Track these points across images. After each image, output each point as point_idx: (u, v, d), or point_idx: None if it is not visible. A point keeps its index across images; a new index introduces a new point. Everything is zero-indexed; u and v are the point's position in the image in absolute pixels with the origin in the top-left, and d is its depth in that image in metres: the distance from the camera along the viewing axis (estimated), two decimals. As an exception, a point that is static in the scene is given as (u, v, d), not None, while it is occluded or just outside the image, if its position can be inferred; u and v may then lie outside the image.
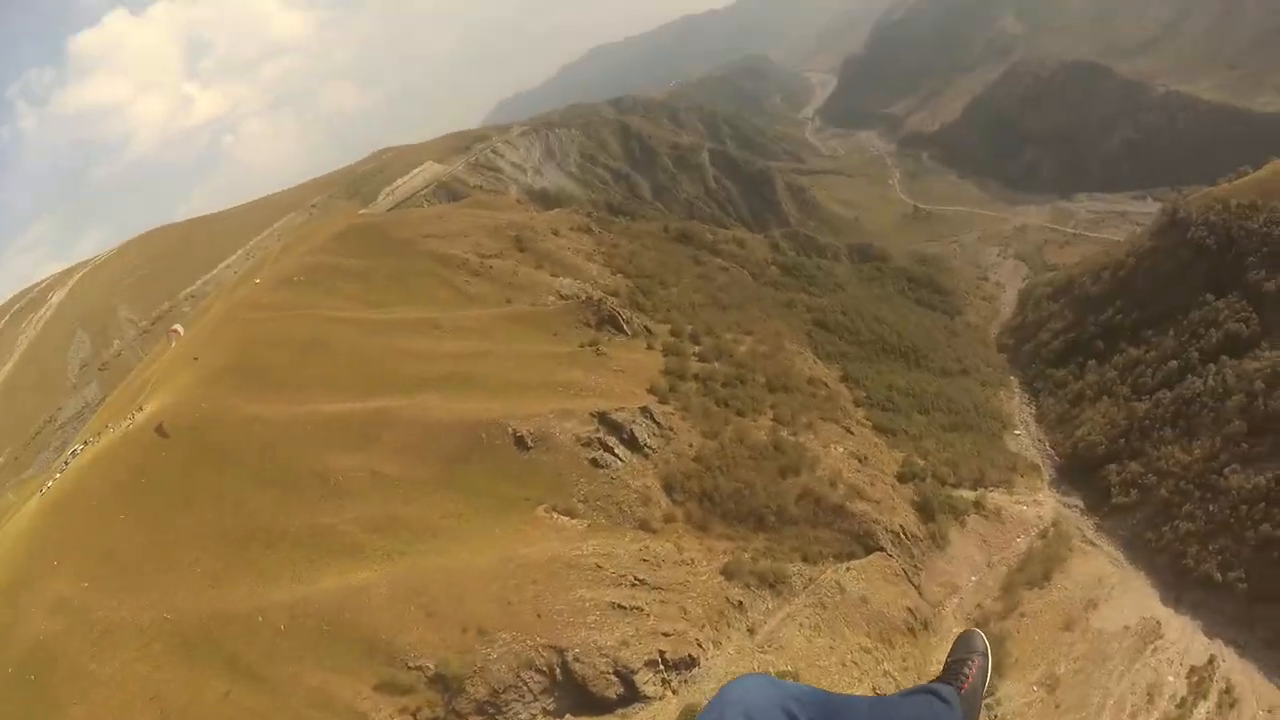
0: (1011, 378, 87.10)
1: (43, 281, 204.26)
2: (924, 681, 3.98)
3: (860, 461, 54.06)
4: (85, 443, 52.37)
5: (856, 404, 68.78)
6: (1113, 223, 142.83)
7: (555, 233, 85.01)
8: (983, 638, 4.20)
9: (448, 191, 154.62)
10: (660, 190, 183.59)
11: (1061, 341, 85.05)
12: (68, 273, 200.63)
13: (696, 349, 63.70)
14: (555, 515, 41.57)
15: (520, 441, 44.69)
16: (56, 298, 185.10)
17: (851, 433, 58.67)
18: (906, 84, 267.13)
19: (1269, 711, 43.20)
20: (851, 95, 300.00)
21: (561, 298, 67.47)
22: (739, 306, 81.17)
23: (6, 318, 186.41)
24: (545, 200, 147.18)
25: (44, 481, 50.95)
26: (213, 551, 36.70)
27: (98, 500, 39.68)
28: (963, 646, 4.20)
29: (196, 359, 55.10)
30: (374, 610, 33.36)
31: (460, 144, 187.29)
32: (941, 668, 4.18)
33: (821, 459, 51.03)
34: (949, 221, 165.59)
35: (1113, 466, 62.45)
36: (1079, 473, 65.57)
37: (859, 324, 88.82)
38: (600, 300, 65.57)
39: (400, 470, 42.68)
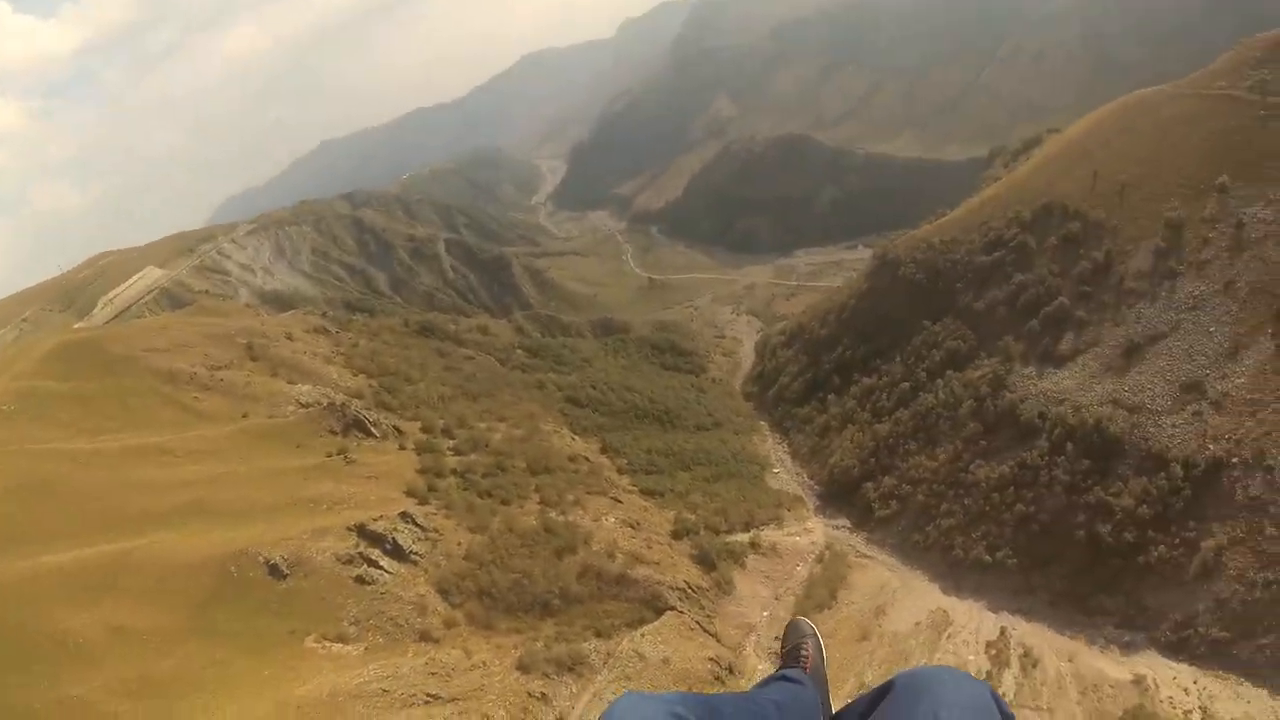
0: (762, 422, 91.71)
1: None
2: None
3: (633, 528, 54.70)
4: None
5: (620, 472, 69.82)
6: (830, 272, 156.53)
7: (289, 337, 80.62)
8: (808, 621, 4.43)
9: (171, 298, 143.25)
10: (398, 283, 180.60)
11: (801, 382, 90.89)
12: None
13: (451, 443, 62.00)
14: (327, 644, 38.11)
15: (275, 570, 40.75)
16: None
17: (620, 501, 59.31)
18: (632, 166, 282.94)
19: (1070, 660, 47.50)
20: (581, 179, 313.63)
21: (302, 406, 63.46)
22: (489, 394, 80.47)
23: None
24: (278, 302, 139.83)
25: None
26: None
27: None
28: (793, 633, 4.41)
29: None
30: None
31: (184, 245, 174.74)
32: (781, 658, 4.35)
33: (595, 533, 50.97)
34: (683, 289, 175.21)
35: (869, 485, 67.64)
36: (840, 496, 70.25)
37: (610, 395, 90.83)
38: (344, 404, 62.47)
39: (146, 622, 37.56)
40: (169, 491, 48.54)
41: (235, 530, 44.06)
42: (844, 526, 66.73)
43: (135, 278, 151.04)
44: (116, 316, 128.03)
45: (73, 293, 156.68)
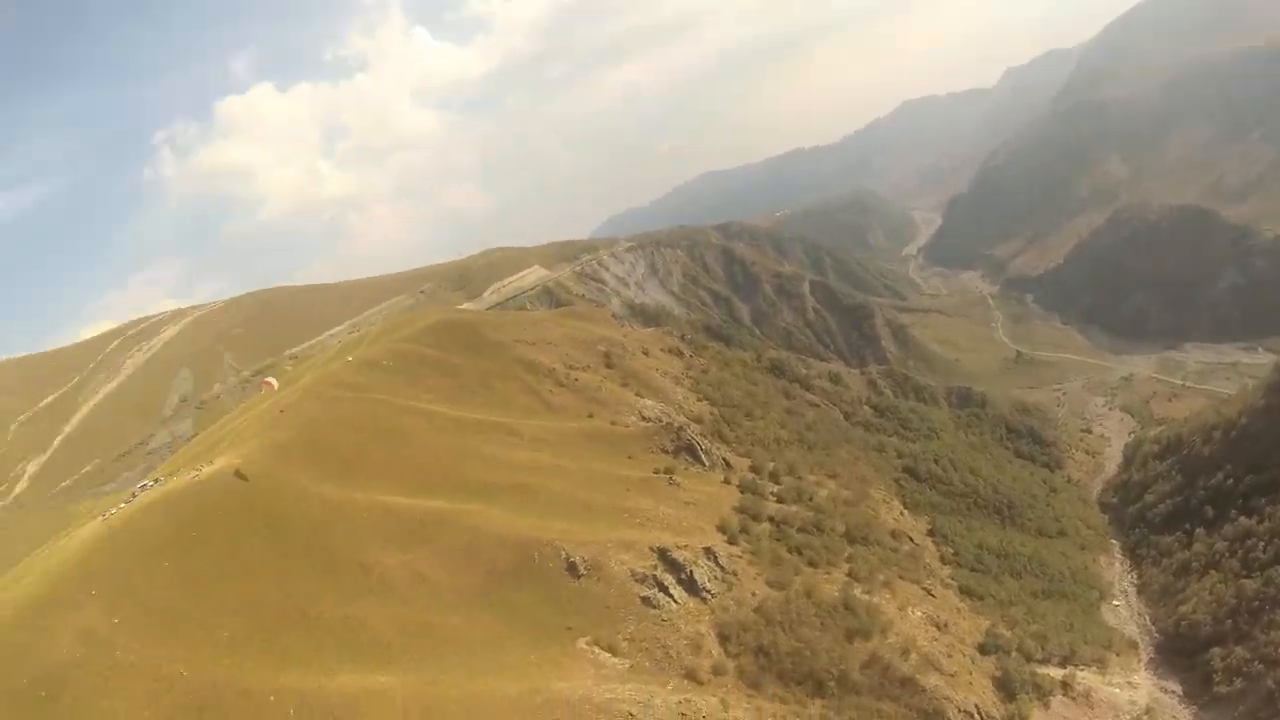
0: (1113, 542, 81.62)
1: (158, 315, 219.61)
2: None
3: (939, 628, 50.06)
4: (156, 480, 53.75)
5: (942, 561, 64.79)
6: (1222, 374, 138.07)
7: (645, 352, 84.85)
8: None
9: (551, 296, 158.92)
10: (760, 317, 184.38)
11: (1169, 505, 79.35)
12: (182, 312, 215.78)
13: (775, 488, 60.92)
14: (597, 650, 38.89)
15: (573, 568, 42.58)
16: (169, 332, 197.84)
17: (933, 595, 54.75)
18: (1010, 226, 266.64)
19: None
20: (955, 235, 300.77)
21: (643, 419, 66.22)
22: (826, 446, 78.40)
23: (118, 341, 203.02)
24: (644, 315, 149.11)
25: (109, 506, 51.72)
26: (243, 620, 35.62)
27: (148, 542, 39.36)
28: None
29: (282, 411, 56.81)
30: (383, 718, 31.53)
31: (568, 253, 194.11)
32: None
33: (895, 623, 47.17)
34: (1052, 368, 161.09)
35: (1217, 650, 56.20)
36: (1180, 654, 59.54)
37: (952, 474, 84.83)
38: (681, 427, 64.03)
39: (445, 577, 41.14)
40: (503, 469, 52.66)
41: (550, 520, 46.52)
42: (1174, 692, 56.35)
43: (522, 273, 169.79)
44: (500, 304, 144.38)
45: (465, 277, 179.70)
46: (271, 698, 31.09)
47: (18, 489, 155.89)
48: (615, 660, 38.64)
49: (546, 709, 33.15)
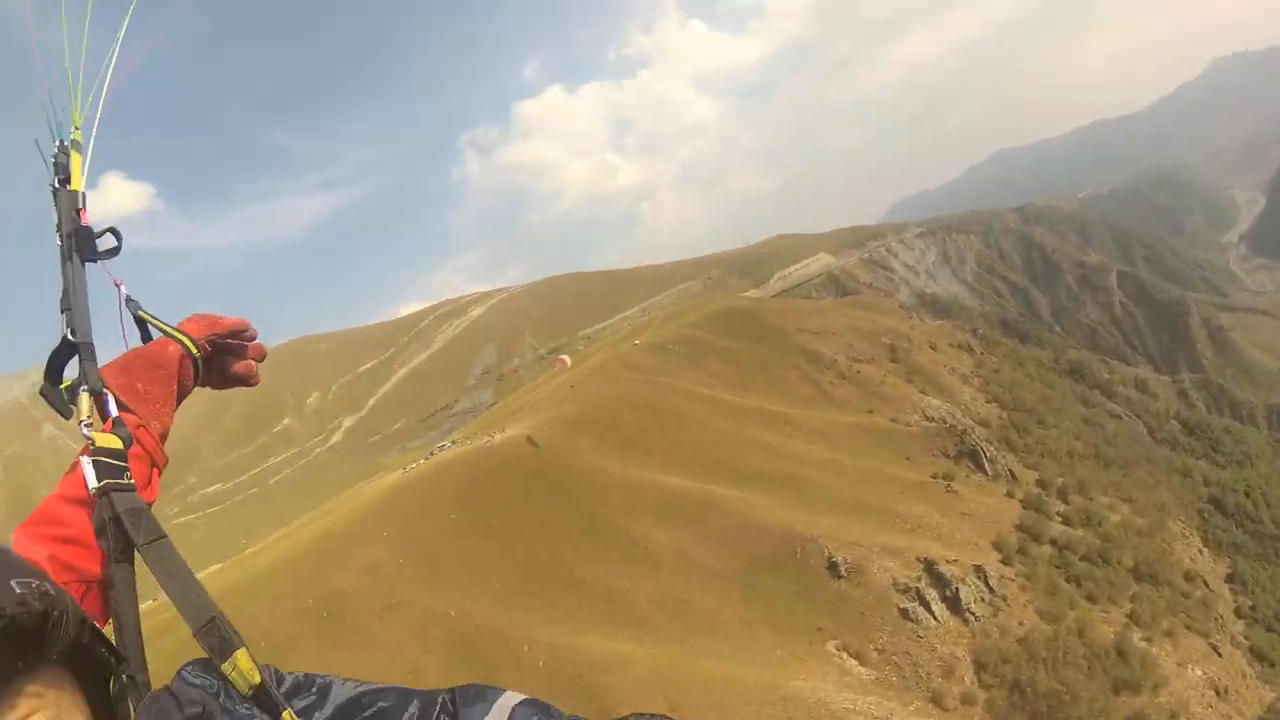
0: None
1: (467, 296, 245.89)
2: None
3: (1218, 694, 43.69)
4: (454, 441, 60.85)
5: (1237, 614, 56.75)
6: None
7: (933, 346, 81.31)
8: None
9: (837, 284, 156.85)
10: (1060, 310, 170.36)
11: None
12: (488, 294, 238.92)
13: (1062, 508, 56.24)
14: (844, 656, 38.11)
15: (834, 567, 41.97)
16: (476, 312, 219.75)
17: (1219, 653, 48.10)
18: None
19: None
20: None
21: (925, 418, 63.80)
22: (1124, 465, 71.15)
23: (431, 318, 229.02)
24: (934, 306, 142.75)
25: (411, 461, 59.27)
26: (514, 574, 38.85)
27: (439, 494, 44.20)
28: None
29: (573, 387, 61.24)
30: (624, 683, 32.78)
31: (855, 239, 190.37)
32: None
33: (1170, 681, 41.86)
34: None
35: None
36: None
37: (1263, 511, 73.35)
38: (966, 430, 60.89)
39: (708, 559, 42.28)
40: (776, 458, 53.17)
41: (817, 515, 46.45)
42: None
43: (807, 260, 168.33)
44: (786, 291, 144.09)
45: (752, 263, 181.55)
46: (526, 647, 33.72)
47: (334, 439, 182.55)
48: (861, 669, 37.73)
49: (783, 705, 33.11)
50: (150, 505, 1.81)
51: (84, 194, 2.23)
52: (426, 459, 56.37)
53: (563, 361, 78.31)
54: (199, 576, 1.62)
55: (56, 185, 2.24)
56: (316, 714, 1.55)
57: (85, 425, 1.85)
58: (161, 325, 2.20)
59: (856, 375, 69.74)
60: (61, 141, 2.30)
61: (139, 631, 1.60)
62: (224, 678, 1.46)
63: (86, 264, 2.15)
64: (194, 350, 2.20)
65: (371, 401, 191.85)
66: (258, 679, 1.47)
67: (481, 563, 39.15)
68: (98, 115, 2.33)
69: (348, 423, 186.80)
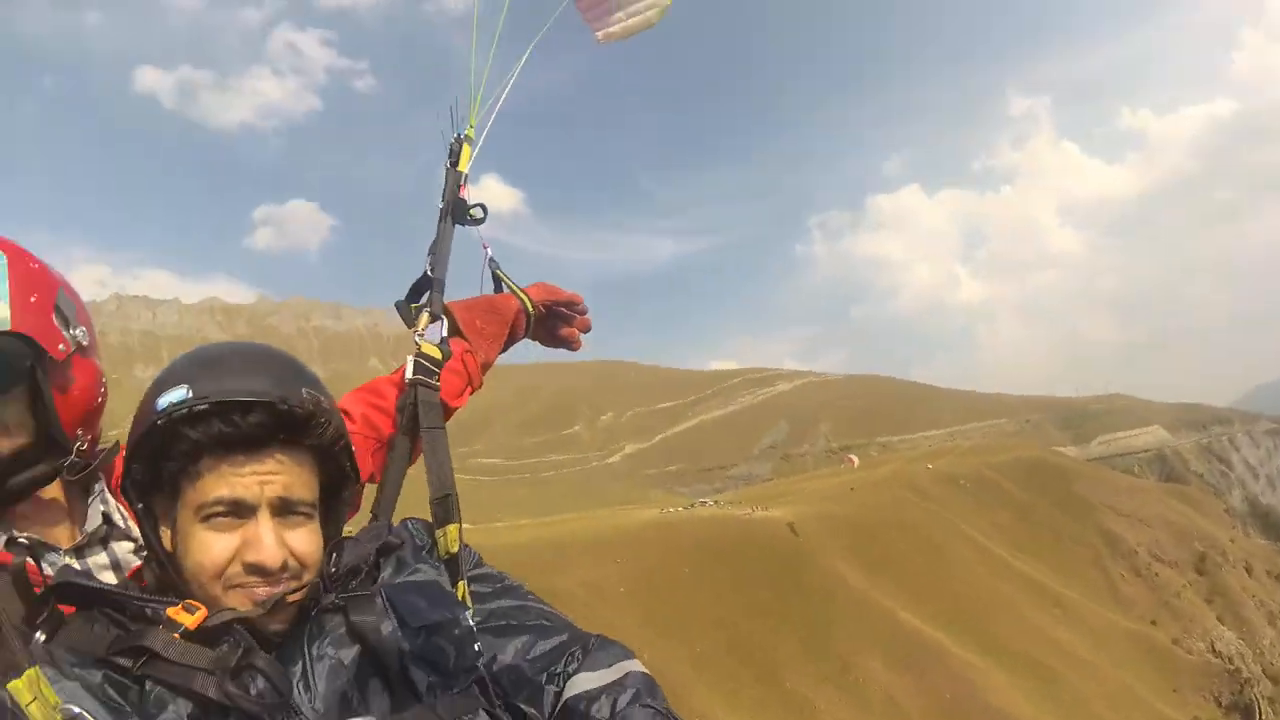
0: None
1: (777, 370, 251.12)
2: None
3: None
4: (716, 502, 61.20)
5: None
6: None
7: (1248, 569, 69.04)
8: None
9: (1164, 465, 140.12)
10: None
11: None
12: (799, 373, 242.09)
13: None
14: None
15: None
16: (781, 387, 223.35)
17: None
18: None
19: None
20: None
21: (1212, 651, 54.33)
22: None
23: (739, 380, 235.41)
24: (1266, 522, 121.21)
25: (673, 505, 59.35)
26: (720, 646, 37.25)
27: (682, 544, 43.59)
28: None
29: (852, 489, 59.23)
30: None
31: (1196, 419, 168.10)
32: None
33: None
34: None
35: None
36: None
37: None
38: (1249, 680, 50.78)
39: (915, 713, 38.00)
40: (1032, 638, 47.12)
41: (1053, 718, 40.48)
42: None
43: (1138, 430, 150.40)
44: (1104, 458, 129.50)
45: (1077, 417, 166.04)
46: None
47: (613, 459, 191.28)
48: None
49: None
50: (451, 409, 2.37)
51: (466, 176, 2.80)
52: (686, 508, 56.97)
53: (850, 461, 76.52)
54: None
55: (448, 166, 2.83)
56: (489, 601, 1.84)
57: (417, 335, 2.38)
58: (511, 284, 2.76)
59: (1153, 577, 61.09)
60: (458, 134, 2.88)
61: (398, 489, 2.14)
62: (433, 539, 1.87)
63: (456, 226, 2.75)
64: (530, 308, 2.72)
65: (658, 437, 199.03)
66: (455, 549, 1.86)
67: (694, 623, 38.13)
68: (490, 121, 2.95)
69: (630, 449, 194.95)
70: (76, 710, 1.22)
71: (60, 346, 1.89)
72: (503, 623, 1.78)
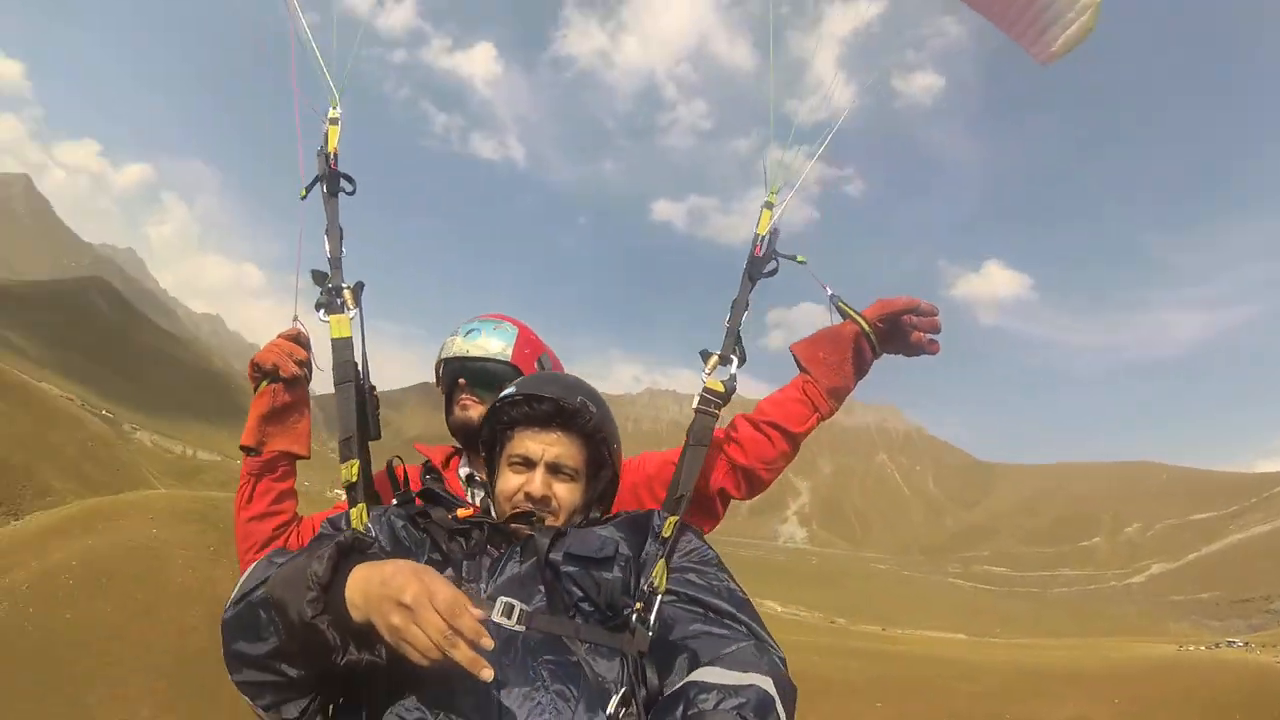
0: None
1: None
2: None
3: None
4: (1246, 643, 55.54)
5: None
6: None
7: None
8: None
9: None
10: None
11: None
12: None
13: None
14: None
15: None
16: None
17: None
18: None
19: None
20: None
21: None
22: None
23: None
24: None
25: (1194, 644, 51.89)
26: None
27: (1195, 693, 32.38)
28: None
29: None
30: None
31: None
32: None
33: None
34: None
35: None
36: None
37: None
38: None
39: None
40: None
41: None
42: None
43: None
44: None
45: None
46: None
47: (1135, 579, 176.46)
48: None
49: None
50: (794, 434, 2.81)
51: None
52: (1210, 647, 49.28)
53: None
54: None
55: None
56: (690, 589, 2.16)
57: (705, 374, 2.80)
58: (848, 310, 2.90)
59: None
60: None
61: (678, 488, 2.60)
62: (662, 524, 2.29)
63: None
64: (866, 328, 2.85)
65: (1190, 556, 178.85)
66: (668, 534, 2.26)
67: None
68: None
69: (1157, 568, 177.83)
70: (372, 530, 2.22)
71: None
72: (691, 609, 2.11)
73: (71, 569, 18.75)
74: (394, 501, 2.39)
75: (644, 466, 2.91)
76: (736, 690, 1.79)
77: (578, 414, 2.30)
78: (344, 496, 2.59)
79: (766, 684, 1.83)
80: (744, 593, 2.19)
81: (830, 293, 2.97)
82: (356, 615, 1.73)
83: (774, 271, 3.01)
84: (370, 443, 2.78)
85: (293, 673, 1.83)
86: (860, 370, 2.91)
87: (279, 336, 2.93)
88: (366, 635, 1.75)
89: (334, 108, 3.18)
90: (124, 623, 17.75)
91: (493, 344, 3.09)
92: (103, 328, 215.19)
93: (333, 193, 3.07)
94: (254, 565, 2.04)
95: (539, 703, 1.87)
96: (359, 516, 2.39)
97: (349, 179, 3.09)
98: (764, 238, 3.04)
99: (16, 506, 26.25)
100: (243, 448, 2.85)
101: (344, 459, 2.61)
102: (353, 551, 1.84)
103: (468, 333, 3.15)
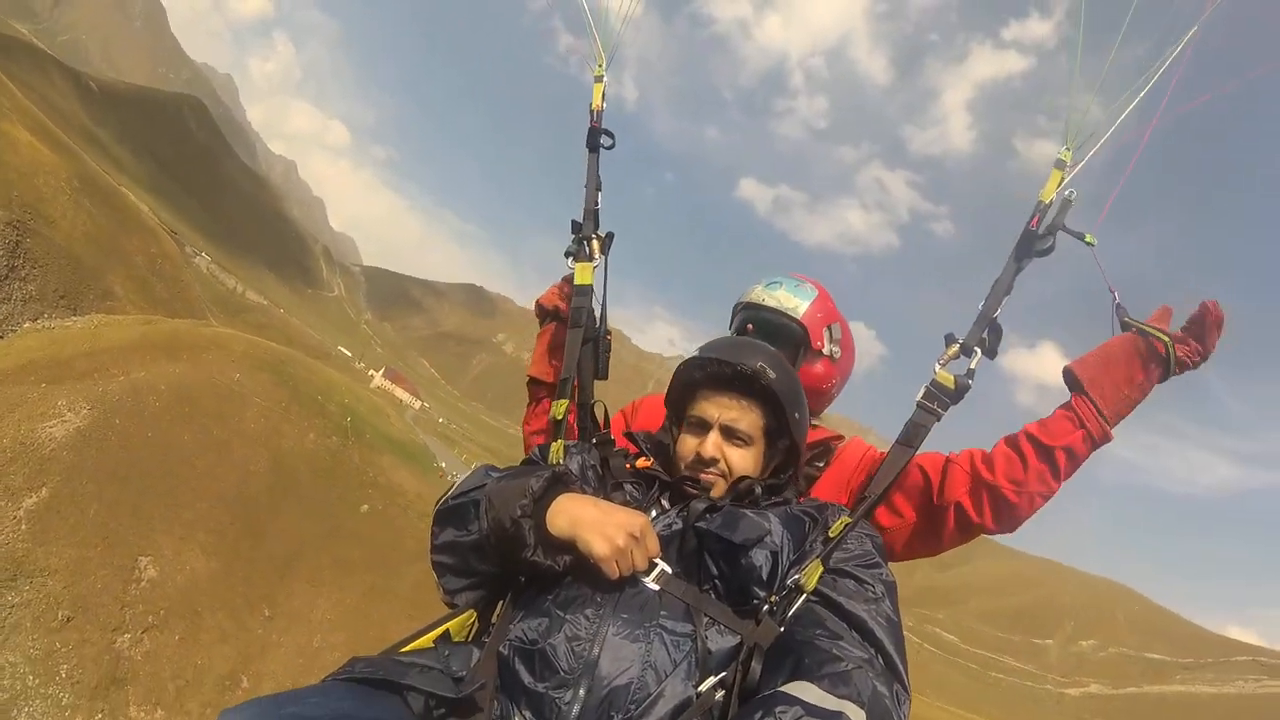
0: None
1: None
2: None
3: None
4: None
5: None
6: None
7: None
8: None
9: None
10: None
11: None
12: None
13: None
14: None
15: None
16: None
17: None
18: None
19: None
20: None
21: None
22: None
23: (1247, 657, 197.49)
24: None
25: None
26: None
27: None
28: None
29: None
30: None
31: None
32: None
33: None
34: None
35: None
36: None
37: None
38: None
39: None
40: None
41: None
42: None
43: None
44: None
45: None
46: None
47: (1070, 691, 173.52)
48: None
49: None
50: (1051, 449, 2.49)
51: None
52: None
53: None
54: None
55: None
56: (841, 595, 2.01)
57: (938, 363, 2.56)
58: (1140, 325, 2.52)
59: None
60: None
61: (879, 485, 2.50)
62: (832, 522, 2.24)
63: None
64: (1164, 338, 2.46)
65: (1129, 689, 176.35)
66: (835, 534, 2.17)
67: None
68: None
69: (1094, 689, 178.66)
70: (563, 462, 2.45)
71: (818, 344, 3.07)
72: (826, 613, 1.94)
73: (160, 393, 21.07)
74: (592, 440, 2.73)
75: (861, 454, 2.92)
76: (822, 714, 1.58)
77: (756, 378, 2.33)
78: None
79: (858, 716, 1.60)
80: (896, 614, 2.02)
81: (1117, 301, 2.62)
82: (557, 532, 2.05)
83: (1049, 251, 2.65)
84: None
85: (480, 565, 2.20)
86: (1145, 394, 2.58)
87: (561, 280, 3.27)
88: (553, 545, 2.07)
89: (600, 66, 3.38)
90: (197, 454, 20.77)
91: (789, 300, 3.14)
92: (188, 146, 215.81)
93: (592, 148, 3.24)
94: (472, 471, 2.39)
95: (641, 650, 1.88)
96: (558, 451, 2.60)
97: (609, 134, 3.27)
98: (1048, 206, 2.66)
99: (77, 303, 26.04)
100: (531, 378, 3.32)
101: (558, 396, 2.91)
102: (558, 482, 2.20)
103: (770, 284, 3.23)
